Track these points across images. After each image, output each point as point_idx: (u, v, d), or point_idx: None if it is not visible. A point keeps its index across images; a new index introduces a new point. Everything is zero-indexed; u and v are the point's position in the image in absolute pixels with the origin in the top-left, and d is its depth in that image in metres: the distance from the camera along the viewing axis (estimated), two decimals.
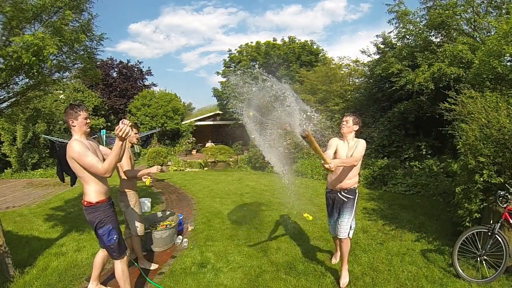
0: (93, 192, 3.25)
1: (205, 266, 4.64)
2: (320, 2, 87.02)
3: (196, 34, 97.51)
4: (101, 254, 3.76)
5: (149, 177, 4.56)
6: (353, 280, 4.19)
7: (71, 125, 3.25)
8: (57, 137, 14.61)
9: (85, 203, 3.28)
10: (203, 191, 10.12)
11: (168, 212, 6.13)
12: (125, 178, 4.50)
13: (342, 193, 4.12)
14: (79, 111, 3.24)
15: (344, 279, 4.10)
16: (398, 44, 11.77)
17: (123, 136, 2.92)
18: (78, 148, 3.08)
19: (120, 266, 3.45)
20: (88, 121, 3.32)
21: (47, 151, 16.87)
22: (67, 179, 7.25)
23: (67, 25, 4.31)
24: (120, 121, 3.05)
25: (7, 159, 15.79)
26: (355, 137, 4.28)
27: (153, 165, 4.56)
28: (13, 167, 15.66)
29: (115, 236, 3.36)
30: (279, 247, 5.32)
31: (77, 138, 3.21)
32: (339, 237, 4.08)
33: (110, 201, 3.45)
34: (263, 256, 4.97)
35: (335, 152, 4.13)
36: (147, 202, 7.77)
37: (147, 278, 4.27)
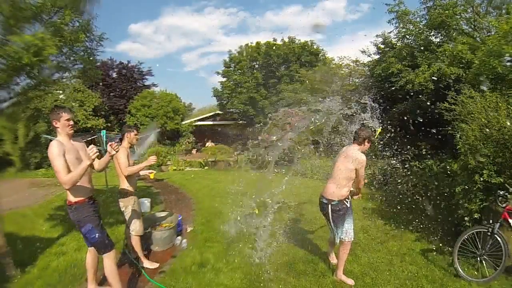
0: (72, 191, 3.34)
1: (205, 266, 4.64)
2: (320, 2, 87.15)
3: (196, 34, 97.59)
4: (89, 255, 3.80)
5: (153, 171, 4.61)
6: (353, 279, 4.20)
7: (54, 126, 3.36)
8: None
9: (67, 201, 3.42)
10: (203, 191, 10.13)
11: (167, 213, 6.14)
12: (124, 178, 4.52)
13: (347, 199, 4.16)
14: (62, 112, 3.35)
15: (349, 280, 4.12)
16: (398, 44, 11.75)
17: (93, 158, 3.14)
18: (53, 149, 3.17)
19: (107, 262, 3.53)
20: (71, 122, 3.39)
21: None
22: None
23: (67, 25, 4.32)
24: (108, 144, 3.25)
25: (9, 157, 15.78)
26: None
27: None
28: (16, 166, 15.69)
29: (97, 234, 3.42)
30: (279, 247, 5.32)
31: (59, 139, 3.31)
32: (347, 240, 4.16)
33: (90, 201, 3.51)
34: (263, 256, 4.97)
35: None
36: (146, 202, 7.77)
37: (147, 277, 4.28)
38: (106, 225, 6.21)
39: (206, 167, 17.34)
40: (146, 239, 5.23)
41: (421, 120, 11.33)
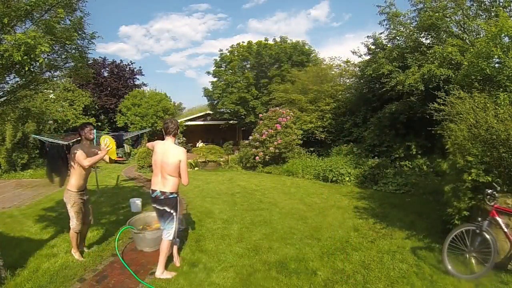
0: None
1: (196, 266, 4.64)
2: (304, 10, 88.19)
3: (185, 37, 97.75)
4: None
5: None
6: (345, 278, 4.23)
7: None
8: (47, 137, 14.44)
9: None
10: (194, 191, 10.11)
11: None
12: (72, 175, 4.73)
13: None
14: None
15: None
16: (388, 45, 11.87)
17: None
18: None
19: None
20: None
21: (36, 151, 16.65)
22: (56, 179, 7.13)
23: (59, 23, 4.29)
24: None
25: None
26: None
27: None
28: (2, 167, 15.38)
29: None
30: (270, 246, 5.34)
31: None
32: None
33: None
34: (255, 255, 4.99)
35: None
36: (138, 202, 7.72)
37: (137, 279, 4.25)
38: (98, 226, 6.22)
39: (196, 168, 17.26)
40: (137, 240, 5.23)
41: (411, 120, 11.49)
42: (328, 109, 16.49)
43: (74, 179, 4.68)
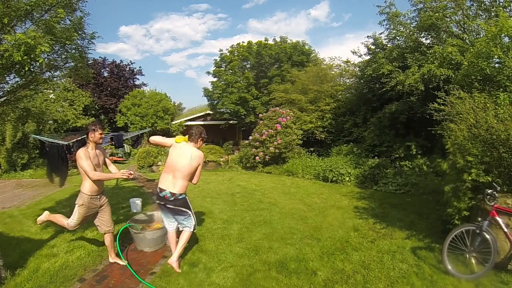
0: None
1: (196, 266, 4.64)
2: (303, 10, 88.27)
3: (185, 37, 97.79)
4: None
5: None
6: (345, 278, 4.23)
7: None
8: (47, 137, 14.44)
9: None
10: (194, 191, 10.09)
11: (158, 212, 6.11)
12: (86, 178, 4.42)
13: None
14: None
15: None
16: (388, 45, 11.86)
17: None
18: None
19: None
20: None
21: (36, 151, 16.63)
22: (56, 179, 7.14)
23: (59, 23, 4.29)
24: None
25: None
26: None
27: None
28: (2, 167, 15.36)
29: None
30: (270, 246, 5.34)
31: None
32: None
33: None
34: (255, 255, 4.99)
35: None
36: (138, 202, 7.72)
37: (139, 278, 4.25)
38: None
39: None
40: (137, 240, 5.23)
41: (412, 120, 11.48)
42: (328, 109, 16.48)
43: (88, 183, 4.39)
